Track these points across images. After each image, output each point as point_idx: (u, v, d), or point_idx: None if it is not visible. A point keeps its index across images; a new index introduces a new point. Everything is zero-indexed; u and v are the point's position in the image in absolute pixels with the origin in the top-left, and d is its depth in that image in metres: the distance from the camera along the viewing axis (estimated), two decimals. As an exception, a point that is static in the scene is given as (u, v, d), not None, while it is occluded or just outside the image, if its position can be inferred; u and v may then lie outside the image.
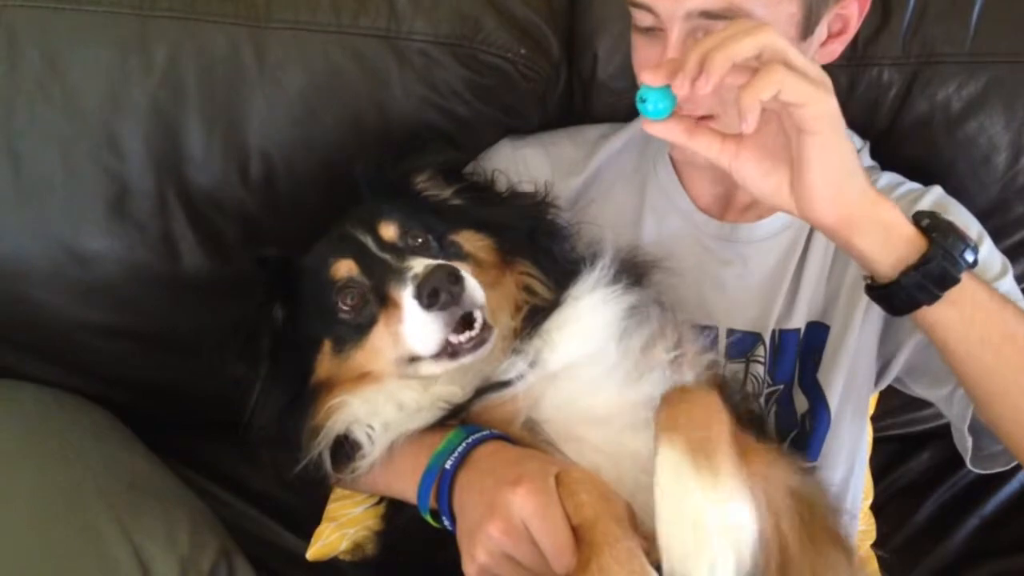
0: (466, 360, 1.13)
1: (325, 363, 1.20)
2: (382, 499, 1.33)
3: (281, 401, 1.21)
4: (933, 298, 1.08)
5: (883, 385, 1.45)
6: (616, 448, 1.10)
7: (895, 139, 1.49)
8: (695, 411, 0.99)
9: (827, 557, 1.05)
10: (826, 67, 1.30)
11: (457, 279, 1.09)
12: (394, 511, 1.28)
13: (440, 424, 1.15)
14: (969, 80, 1.44)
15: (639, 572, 0.91)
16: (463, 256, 1.22)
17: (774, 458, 1.07)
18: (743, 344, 1.37)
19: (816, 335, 1.38)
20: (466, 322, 1.11)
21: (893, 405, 1.71)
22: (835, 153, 1.04)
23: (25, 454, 1.42)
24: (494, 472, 1.05)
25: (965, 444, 1.33)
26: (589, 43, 1.52)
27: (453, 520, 1.06)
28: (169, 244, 1.51)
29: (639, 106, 1.05)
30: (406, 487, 1.13)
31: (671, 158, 1.45)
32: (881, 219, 1.09)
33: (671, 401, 1.03)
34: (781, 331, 1.38)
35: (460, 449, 1.08)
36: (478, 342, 1.12)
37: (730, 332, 1.38)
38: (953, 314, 1.10)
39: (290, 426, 1.20)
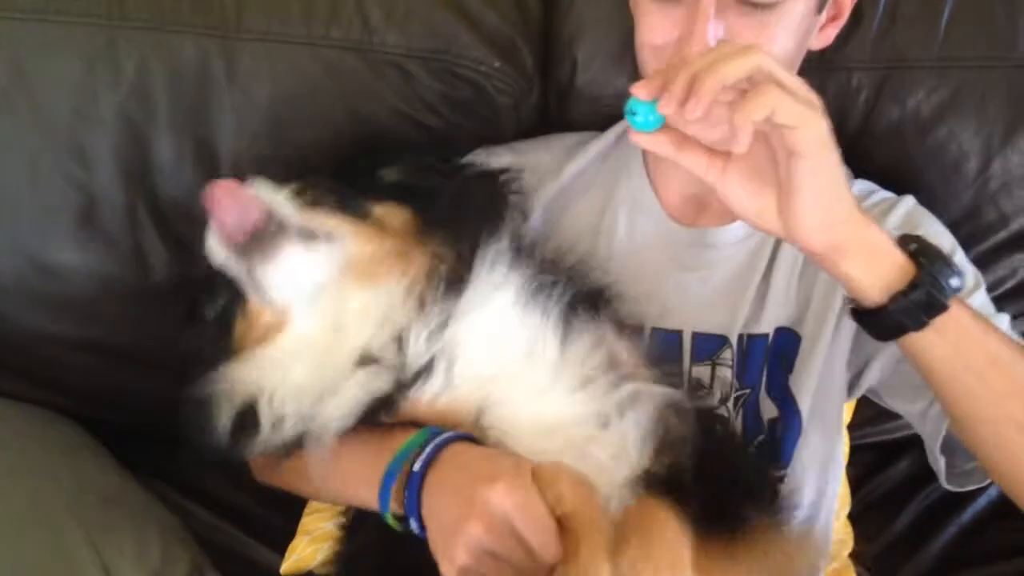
0: (257, 266, 1.12)
1: (239, 328, 1.20)
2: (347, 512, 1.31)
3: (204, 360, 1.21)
4: (920, 325, 1.07)
5: (855, 396, 1.45)
6: (575, 455, 1.08)
7: (865, 145, 1.49)
8: (658, 569, 0.95)
9: None
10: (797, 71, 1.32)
11: (235, 183, 1.12)
12: (357, 523, 1.25)
13: (370, 422, 1.11)
14: (939, 85, 1.44)
15: None
16: (368, 217, 1.20)
17: (757, 544, 1.07)
18: (709, 347, 1.36)
19: (786, 341, 1.37)
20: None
21: (870, 414, 1.71)
22: (826, 177, 1.02)
23: (-8, 470, 1.40)
24: (467, 470, 1.03)
25: (938, 464, 1.33)
26: (567, 50, 1.52)
27: (421, 524, 1.04)
28: (139, 256, 1.49)
29: (628, 118, 1.03)
30: (359, 490, 1.11)
31: (644, 160, 1.45)
32: (869, 244, 1.08)
33: (628, 549, 0.96)
34: (749, 336, 1.37)
35: (428, 450, 1.06)
36: (258, 243, 1.11)
37: (695, 335, 1.37)
38: (938, 340, 1.09)
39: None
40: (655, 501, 1.05)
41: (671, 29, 1.22)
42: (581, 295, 1.20)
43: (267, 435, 1.14)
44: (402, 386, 1.12)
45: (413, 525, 1.05)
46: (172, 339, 1.51)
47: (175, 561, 1.43)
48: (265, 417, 1.13)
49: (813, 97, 1.01)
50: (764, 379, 1.36)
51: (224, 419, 1.16)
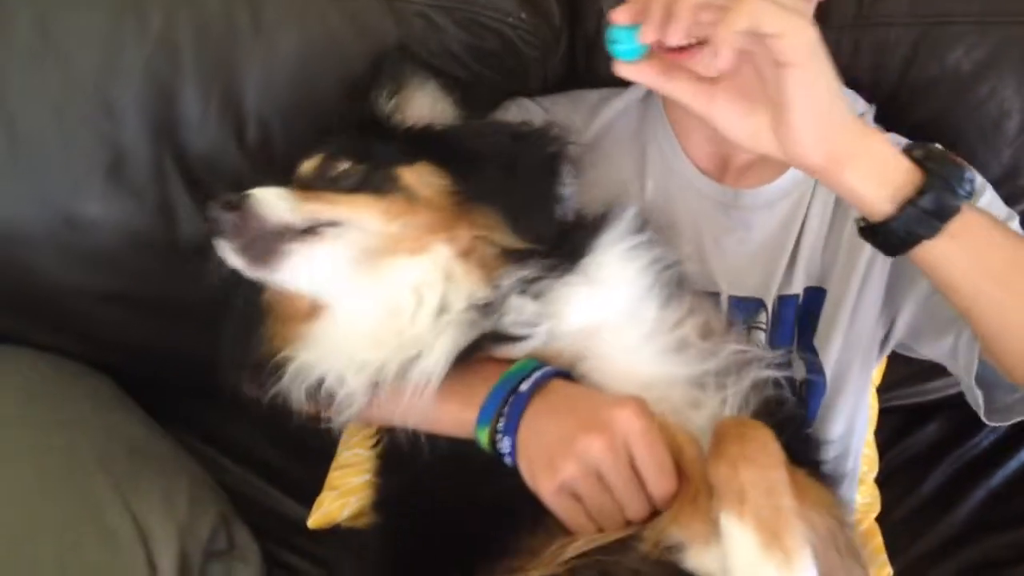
0: (268, 271, 1.11)
1: (270, 312, 1.19)
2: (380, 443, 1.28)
3: (240, 310, 1.22)
4: (933, 231, 1.02)
5: (887, 350, 1.42)
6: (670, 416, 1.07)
7: (901, 103, 1.46)
8: (757, 470, 0.94)
9: (851, 572, 1.04)
10: (831, 27, 1.29)
11: (231, 205, 1.09)
12: (391, 469, 1.23)
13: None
14: (980, 41, 1.40)
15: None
16: (396, 188, 1.16)
17: (815, 488, 1.05)
18: (745, 310, 1.35)
19: (814, 300, 1.35)
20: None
21: (900, 376, 1.69)
22: (818, 86, 0.97)
23: (24, 421, 1.43)
24: (583, 396, 1.04)
25: (976, 398, 1.29)
26: (594, 1, 1.48)
27: (514, 447, 1.03)
28: (165, 209, 1.49)
29: (609, 47, 0.99)
30: (450, 409, 1.09)
31: (669, 119, 1.42)
32: (872, 152, 1.02)
33: (727, 450, 0.97)
34: (780, 297, 1.35)
35: (537, 375, 1.06)
36: (263, 251, 1.10)
37: (731, 298, 1.35)
38: (955, 247, 1.04)
39: (242, 346, 1.21)
40: (745, 418, 1.07)
41: None
42: (676, 261, 1.20)
43: (345, 411, 1.13)
44: (495, 337, 1.10)
45: (506, 444, 1.04)
46: (199, 291, 1.54)
47: (202, 512, 1.45)
48: (339, 396, 1.12)
49: (799, 4, 0.96)
50: (795, 340, 1.35)
51: (298, 402, 1.15)
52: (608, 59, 1.49)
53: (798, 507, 0.94)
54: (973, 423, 1.79)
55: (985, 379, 1.27)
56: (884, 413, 1.68)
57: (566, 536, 1.02)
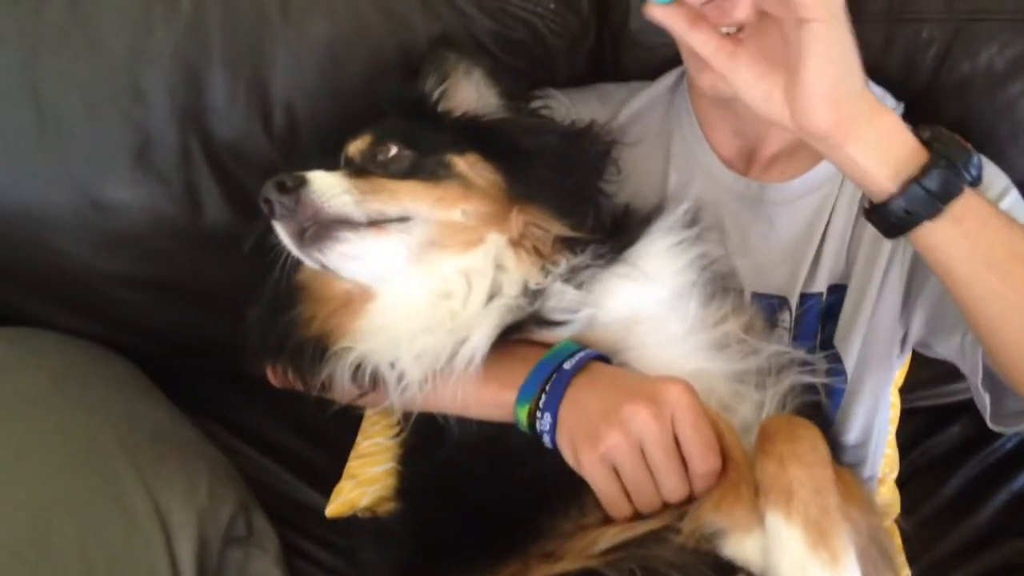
0: (322, 258, 1.10)
1: (305, 266, 1.19)
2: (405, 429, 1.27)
3: (270, 290, 1.21)
4: (935, 211, 1.01)
5: (908, 350, 1.42)
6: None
7: (933, 100, 1.44)
8: (805, 468, 0.95)
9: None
10: (862, 23, 1.27)
11: (286, 188, 1.08)
12: (417, 456, 1.23)
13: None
14: (1014, 39, 1.38)
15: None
16: (451, 175, 1.17)
17: (859, 488, 1.06)
18: (768, 309, 1.34)
19: (836, 298, 1.34)
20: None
21: (923, 377, 1.68)
22: (835, 47, 0.97)
23: (47, 403, 1.43)
24: (631, 376, 1.05)
25: (982, 400, 1.28)
26: (622, -8, 1.48)
27: (553, 424, 1.03)
28: (192, 195, 1.49)
29: None
30: (485, 394, 1.09)
31: (695, 111, 1.42)
32: (880, 127, 1.01)
33: (776, 448, 0.97)
34: (803, 295, 1.34)
35: (580, 356, 1.06)
36: (318, 237, 1.09)
37: (754, 295, 1.35)
38: (956, 232, 1.02)
39: (270, 319, 1.20)
40: (793, 416, 1.06)
41: None
42: (720, 259, 1.21)
43: (397, 395, 1.12)
44: (536, 321, 1.11)
45: (546, 421, 1.04)
46: (223, 276, 1.55)
47: (222, 499, 1.46)
48: (390, 379, 1.12)
49: None
50: (819, 339, 1.34)
51: (340, 386, 1.15)
52: (635, 50, 1.51)
53: (844, 507, 0.94)
54: (996, 426, 1.80)
55: (996, 384, 1.26)
56: (907, 414, 1.67)
57: (598, 519, 1.02)
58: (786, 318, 1.34)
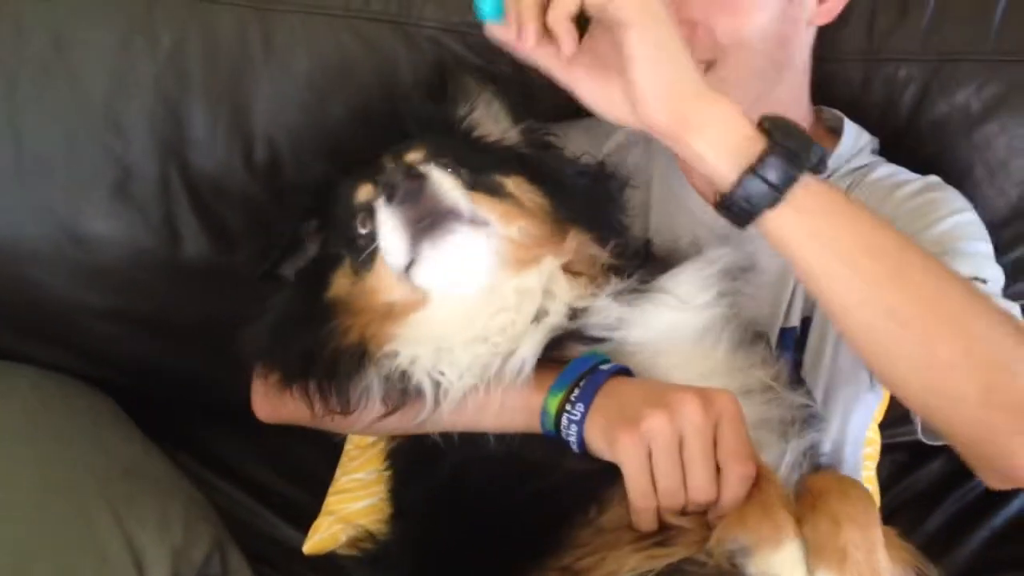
0: (431, 251, 1.09)
1: (342, 281, 1.17)
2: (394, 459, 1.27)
3: (290, 308, 1.18)
4: (774, 200, 1.00)
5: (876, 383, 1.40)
6: None
7: (910, 140, 1.46)
8: (859, 530, 0.94)
9: None
10: (840, 61, 1.30)
11: (414, 175, 1.08)
12: (414, 477, 1.22)
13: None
14: (991, 80, 1.40)
15: None
16: (503, 194, 1.17)
17: (903, 546, 1.04)
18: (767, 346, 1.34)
19: (805, 331, 1.35)
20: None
21: (902, 412, 1.67)
22: (659, 47, 0.99)
23: (21, 438, 1.41)
24: (663, 383, 1.06)
25: (912, 414, 1.26)
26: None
27: (583, 413, 1.03)
28: (171, 228, 1.49)
29: (476, 8, 1.02)
30: (514, 398, 1.08)
31: None
32: (720, 119, 1.01)
33: (829, 507, 0.96)
34: (782, 330, 1.35)
35: (615, 365, 1.07)
36: (433, 221, 1.08)
37: None
38: (800, 220, 1.01)
39: (295, 336, 1.17)
40: (842, 474, 1.07)
41: None
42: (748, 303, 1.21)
43: (431, 408, 1.10)
44: (577, 337, 1.11)
45: (578, 410, 1.03)
46: (203, 311, 1.54)
47: (198, 536, 1.43)
48: (430, 391, 1.10)
49: None
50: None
51: (374, 382, 1.13)
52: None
53: (892, 568, 0.95)
54: (977, 462, 1.80)
55: None
56: (887, 450, 1.67)
57: (617, 520, 1.01)
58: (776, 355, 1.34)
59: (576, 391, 1.05)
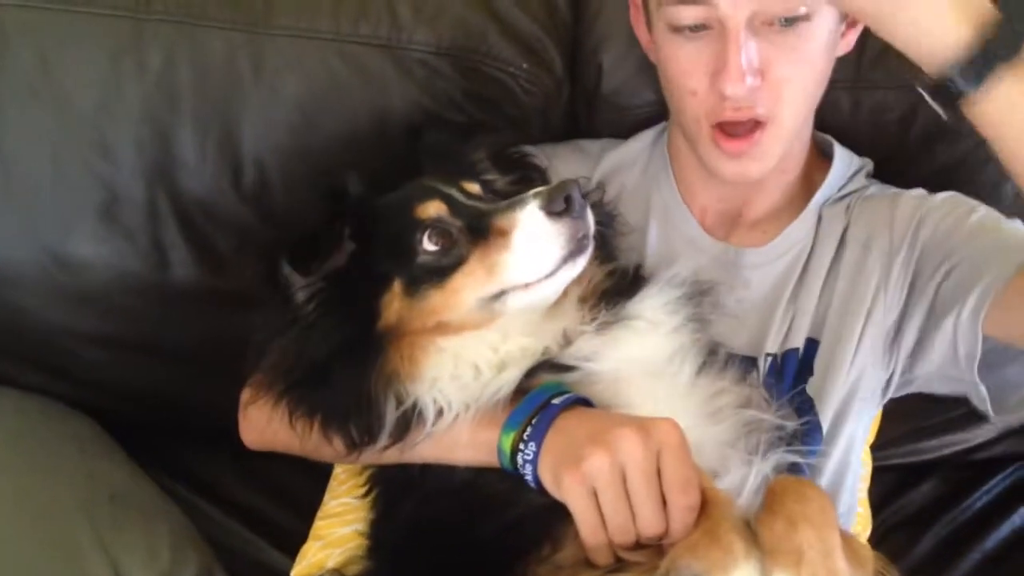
0: (571, 268, 1.10)
1: (395, 304, 1.13)
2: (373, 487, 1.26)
3: (334, 341, 1.11)
4: (1015, 53, 0.99)
5: (888, 395, 1.40)
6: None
7: (900, 162, 1.46)
8: (815, 530, 0.94)
9: None
10: (829, 88, 1.30)
11: (585, 194, 1.08)
12: (386, 512, 1.21)
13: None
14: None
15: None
16: None
17: (863, 548, 1.05)
18: (740, 368, 1.33)
19: (810, 351, 1.35)
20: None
21: (895, 435, 1.68)
22: None
23: (5, 464, 1.40)
24: (619, 413, 1.06)
25: (979, 392, 1.27)
26: (593, 56, 1.50)
27: (536, 453, 1.03)
28: (159, 252, 1.48)
29: None
30: (470, 433, 1.09)
31: (674, 173, 1.43)
32: None
33: (786, 508, 0.96)
34: (784, 351, 1.35)
35: (569, 395, 1.06)
36: (581, 247, 1.09)
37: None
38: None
39: (339, 374, 1.11)
40: (802, 478, 1.06)
41: (703, 69, 1.21)
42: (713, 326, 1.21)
43: (429, 424, 1.10)
44: (550, 365, 1.11)
45: (530, 450, 1.03)
46: (191, 335, 1.53)
47: (185, 562, 1.42)
48: (429, 408, 1.10)
49: None
50: (795, 389, 1.34)
51: (389, 412, 1.10)
52: (607, 111, 1.52)
53: (850, 570, 0.94)
54: (969, 483, 1.80)
55: (993, 373, 1.25)
56: (879, 472, 1.67)
57: (573, 556, 1.01)
58: (754, 377, 1.34)
59: (529, 429, 1.04)
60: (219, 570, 1.50)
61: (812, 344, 1.36)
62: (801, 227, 1.38)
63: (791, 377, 1.35)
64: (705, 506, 0.98)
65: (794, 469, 1.16)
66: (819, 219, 1.38)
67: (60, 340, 1.54)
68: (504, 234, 1.09)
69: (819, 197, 1.38)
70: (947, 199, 1.35)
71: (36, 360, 1.58)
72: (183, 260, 1.49)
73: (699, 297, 1.21)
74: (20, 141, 1.42)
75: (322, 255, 1.11)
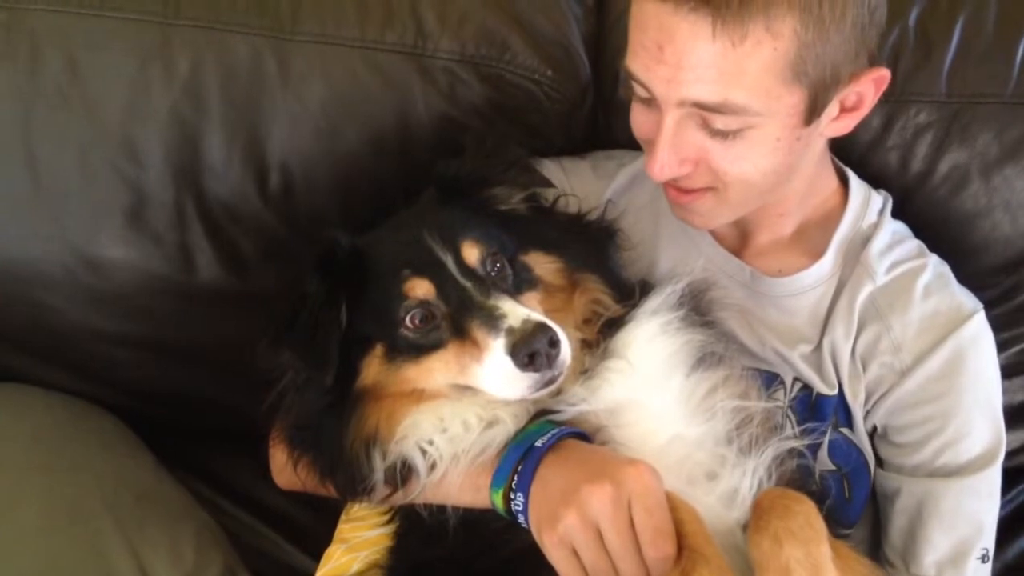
0: (542, 393, 1.11)
1: (374, 367, 1.15)
2: (394, 518, 1.31)
3: (320, 401, 1.16)
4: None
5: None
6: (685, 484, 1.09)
7: (931, 183, 1.44)
8: (801, 546, 0.95)
9: None
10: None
11: (555, 343, 1.06)
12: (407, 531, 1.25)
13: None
14: (1012, 123, 1.39)
15: None
16: (534, 282, 1.19)
17: (858, 561, 1.07)
18: (764, 382, 1.33)
19: (843, 401, 1.34)
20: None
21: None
22: None
23: (33, 462, 1.43)
24: (599, 453, 1.07)
25: None
26: (612, 64, 1.49)
27: (525, 503, 1.05)
28: (185, 255, 1.49)
29: None
30: (466, 480, 1.12)
31: None
32: None
33: (771, 524, 0.98)
34: (819, 395, 1.33)
35: (553, 432, 1.07)
36: (550, 382, 1.09)
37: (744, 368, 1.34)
38: None
39: (327, 428, 1.16)
40: (788, 490, 1.06)
41: (651, 130, 1.21)
42: (704, 329, 1.21)
43: (423, 476, 1.13)
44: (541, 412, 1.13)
45: (519, 500, 1.05)
46: (215, 337, 1.54)
47: (208, 562, 1.44)
48: (420, 463, 1.13)
49: None
50: (827, 439, 1.32)
51: (377, 466, 1.15)
52: (622, 121, 1.49)
53: None
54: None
55: None
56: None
57: None
58: (780, 395, 1.33)
59: (516, 478, 1.06)
60: (243, 570, 1.52)
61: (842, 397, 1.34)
62: (823, 268, 1.34)
63: (826, 415, 1.33)
64: (682, 551, 0.98)
65: (801, 457, 1.18)
66: (842, 262, 1.35)
67: (86, 340, 1.55)
68: (478, 347, 1.09)
69: (837, 240, 1.34)
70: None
71: (62, 359, 1.59)
72: (208, 263, 1.50)
73: (697, 297, 1.23)
74: (49, 144, 1.43)
75: (320, 343, 1.13)
